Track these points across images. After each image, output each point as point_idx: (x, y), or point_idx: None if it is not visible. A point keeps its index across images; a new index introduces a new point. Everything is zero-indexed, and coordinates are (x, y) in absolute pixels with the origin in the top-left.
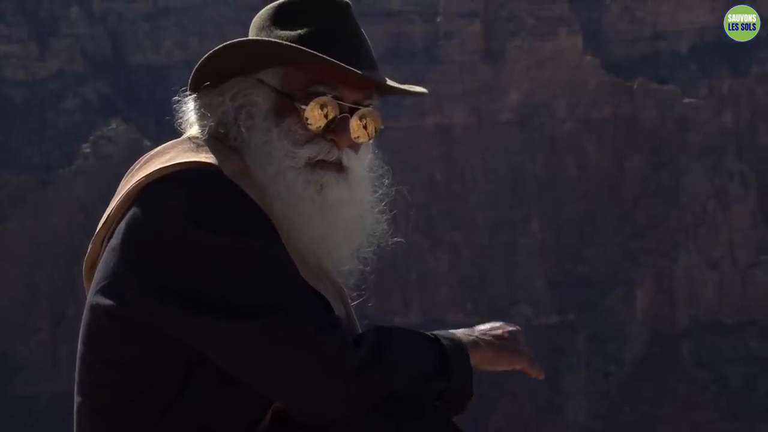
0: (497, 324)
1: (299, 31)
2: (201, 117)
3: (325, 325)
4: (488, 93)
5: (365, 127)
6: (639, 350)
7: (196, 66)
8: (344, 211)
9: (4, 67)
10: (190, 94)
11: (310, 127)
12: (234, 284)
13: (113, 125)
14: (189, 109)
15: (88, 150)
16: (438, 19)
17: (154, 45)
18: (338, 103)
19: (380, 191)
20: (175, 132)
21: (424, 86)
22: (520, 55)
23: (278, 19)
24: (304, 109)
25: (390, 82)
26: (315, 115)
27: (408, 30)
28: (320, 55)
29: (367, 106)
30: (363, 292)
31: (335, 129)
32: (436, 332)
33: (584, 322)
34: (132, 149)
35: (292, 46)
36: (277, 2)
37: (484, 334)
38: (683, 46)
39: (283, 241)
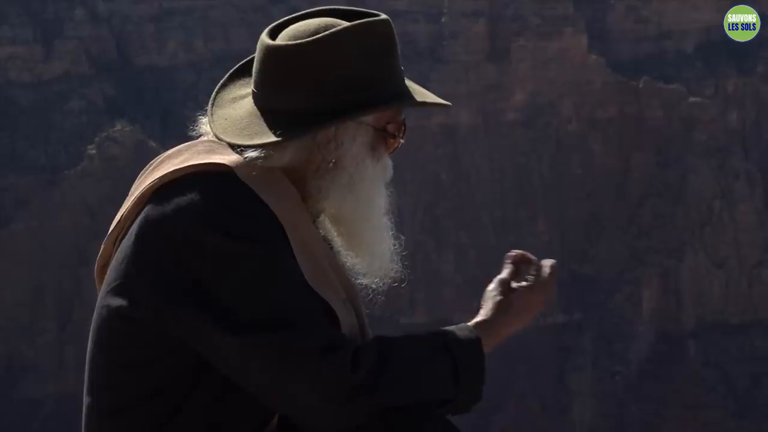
0: (493, 293)
1: (378, 69)
2: (290, 159)
3: (326, 344)
4: (493, 93)
5: None
6: (645, 350)
7: (307, 127)
8: (385, 213)
9: (9, 69)
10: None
11: (391, 150)
12: (241, 292)
13: (119, 127)
14: (269, 154)
15: (94, 152)
16: (443, 19)
17: (159, 46)
18: None
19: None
20: (180, 132)
21: (428, 86)
22: (525, 54)
23: (351, 56)
24: (397, 140)
25: (433, 99)
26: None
27: (413, 30)
28: (437, 103)
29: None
30: (402, 281)
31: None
32: (451, 332)
33: (590, 322)
34: (138, 151)
35: (419, 103)
36: (331, 33)
37: (498, 313)
38: (689, 45)
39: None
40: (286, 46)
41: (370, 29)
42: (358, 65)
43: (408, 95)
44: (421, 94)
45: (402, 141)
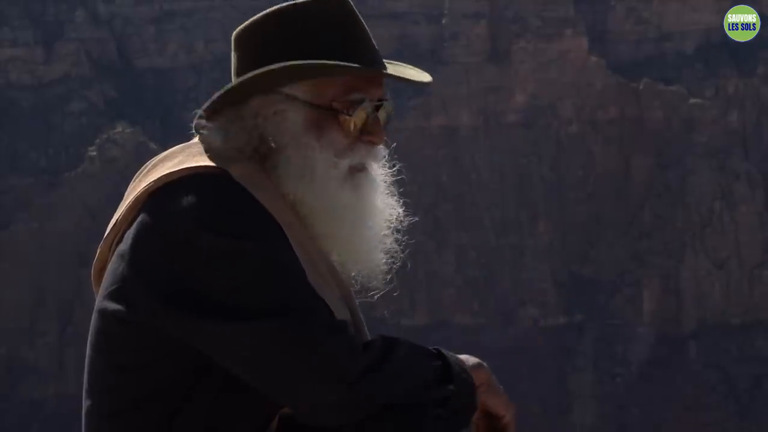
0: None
1: (322, 42)
2: (225, 139)
3: (333, 328)
4: (494, 94)
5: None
6: (646, 351)
7: (223, 92)
8: (372, 207)
9: (11, 71)
10: (208, 115)
11: (351, 134)
12: (242, 287)
13: (119, 128)
14: (211, 130)
15: (94, 153)
16: (443, 21)
17: (159, 48)
18: (373, 104)
19: (389, 180)
20: (180, 134)
21: (428, 87)
22: (526, 56)
23: (293, 29)
24: (348, 119)
25: (414, 76)
26: (359, 122)
27: (413, 31)
28: (369, 69)
29: (387, 98)
30: (391, 286)
31: (371, 129)
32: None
33: (591, 324)
34: (138, 152)
35: (339, 65)
36: (278, 9)
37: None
38: (689, 46)
39: (306, 250)
40: (237, 32)
41: (313, 8)
42: (291, 42)
43: (351, 68)
44: (397, 71)
45: (355, 120)
